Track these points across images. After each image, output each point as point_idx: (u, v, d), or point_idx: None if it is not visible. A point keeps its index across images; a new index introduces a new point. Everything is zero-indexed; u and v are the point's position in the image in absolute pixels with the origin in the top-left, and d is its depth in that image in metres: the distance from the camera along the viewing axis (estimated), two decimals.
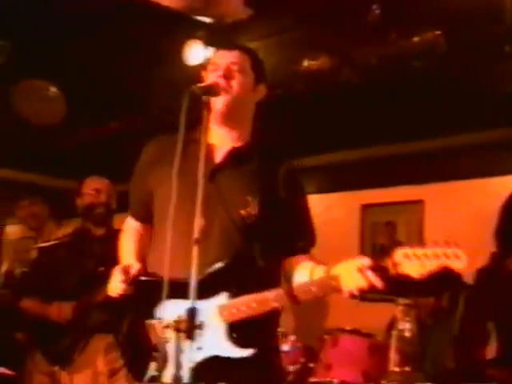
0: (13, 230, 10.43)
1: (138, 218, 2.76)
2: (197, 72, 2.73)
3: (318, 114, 5.64)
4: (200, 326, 2.04)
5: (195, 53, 4.92)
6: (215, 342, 2.30)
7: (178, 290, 2.11)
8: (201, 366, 2.26)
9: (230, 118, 2.54)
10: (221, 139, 2.56)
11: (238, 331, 2.32)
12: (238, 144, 2.58)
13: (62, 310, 4.23)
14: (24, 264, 5.53)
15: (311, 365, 4.68)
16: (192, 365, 2.21)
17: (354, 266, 2.20)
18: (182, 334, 1.98)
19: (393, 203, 6.43)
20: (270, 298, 2.30)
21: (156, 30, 4.55)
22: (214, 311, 2.32)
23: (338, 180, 6.77)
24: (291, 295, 2.28)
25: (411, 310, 3.51)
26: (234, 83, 2.52)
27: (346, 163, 6.57)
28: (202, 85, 2.43)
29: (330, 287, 2.27)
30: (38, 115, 5.88)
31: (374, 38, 4.52)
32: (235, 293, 2.34)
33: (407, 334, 3.44)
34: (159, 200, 2.55)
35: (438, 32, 4.29)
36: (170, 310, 2.18)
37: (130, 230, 2.79)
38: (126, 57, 5.00)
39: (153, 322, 2.38)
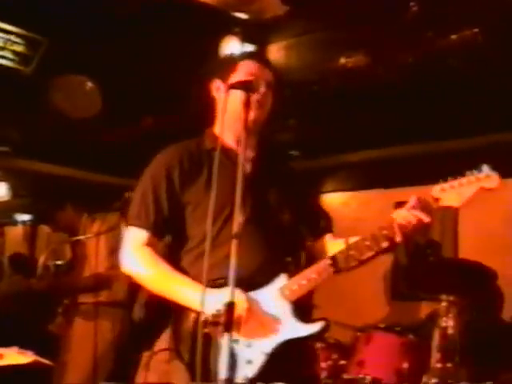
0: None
1: (154, 230, 2.57)
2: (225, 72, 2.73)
3: (352, 112, 5.64)
4: (239, 320, 2.06)
5: (232, 49, 4.93)
6: (286, 325, 2.36)
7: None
8: (272, 354, 2.32)
9: (255, 128, 2.63)
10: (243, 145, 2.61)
11: (300, 309, 2.40)
12: (258, 150, 2.71)
13: None
14: (59, 257, 5.60)
15: (343, 362, 4.69)
16: (263, 357, 2.30)
17: (401, 210, 2.42)
18: (221, 328, 2.00)
19: None
20: (328, 263, 2.42)
21: (194, 26, 4.57)
22: (277, 294, 2.39)
23: (372, 177, 6.75)
24: (352, 253, 2.41)
25: (454, 306, 3.51)
26: (268, 100, 2.63)
27: (380, 161, 6.55)
28: (241, 80, 2.48)
29: (382, 237, 2.42)
30: (75, 109, 5.94)
31: (411, 36, 4.49)
32: (293, 272, 2.44)
33: (450, 330, 3.45)
34: (199, 209, 2.50)
35: (476, 30, 4.26)
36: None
37: (146, 249, 2.55)
38: (162, 53, 5.03)
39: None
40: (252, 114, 2.46)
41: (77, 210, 5.16)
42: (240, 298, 2.28)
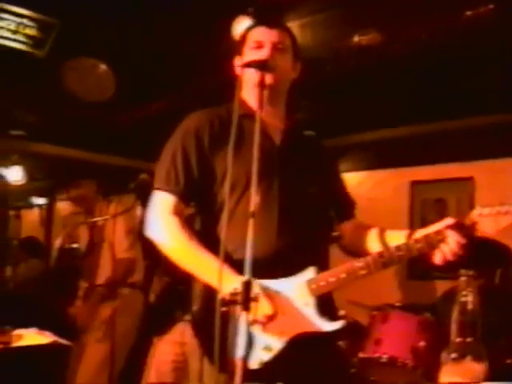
0: (63, 207, 10.64)
1: (182, 196, 2.50)
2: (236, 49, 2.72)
3: (366, 90, 5.61)
4: (256, 298, 2.05)
5: (239, 33, 4.90)
6: (306, 317, 2.34)
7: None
8: (288, 345, 2.30)
9: (275, 95, 2.58)
10: (269, 116, 2.57)
11: (323, 305, 2.36)
12: (284, 121, 2.66)
13: None
14: (75, 240, 5.64)
15: (359, 341, 4.69)
16: (280, 345, 2.29)
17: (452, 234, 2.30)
18: (239, 307, 2.00)
19: (443, 180, 6.37)
20: (359, 266, 2.35)
21: (207, 7, 4.55)
22: (303, 286, 2.36)
23: (387, 157, 6.72)
24: (383, 261, 2.35)
25: (474, 281, 3.50)
26: (280, 62, 2.55)
27: (395, 140, 6.52)
28: (257, 59, 2.44)
29: (436, 241, 2.32)
30: (88, 92, 5.94)
31: (425, 12, 4.45)
32: (321, 266, 2.41)
33: (470, 306, 3.43)
34: (231, 178, 2.27)
35: (491, 6, 4.21)
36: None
37: (173, 219, 2.47)
38: (176, 33, 5.01)
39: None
40: (268, 81, 2.40)
41: (93, 187, 5.21)
42: (263, 298, 2.26)
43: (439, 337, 4.40)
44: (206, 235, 2.48)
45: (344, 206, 2.80)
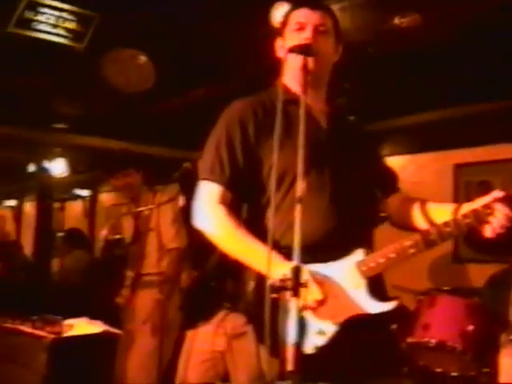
0: (106, 198, 10.76)
1: (228, 185, 2.47)
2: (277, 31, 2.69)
3: (408, 73, 5.55)
4: (306, 284, 2.03)
5: (280, 16, 4.88)
6: (358, 300, 2.32)
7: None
8: (342, 329, 2.29)
9: (317, 79, 2.56)
10: (312, 100, 2.54)
11: (375, 287, 2.35)
12: (327, 104, 2.64)
13: None
14: (119, 231, 5.68)
15: (407, 326, 4.66)
16: (333, 329, 2.28)
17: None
18: (289, 292, 1.98)
19: (487, 162, 6.27)
20: (408, 245, 2.32)
21: None
22: (353, 268, 2.34)
23: (429, 140, 6.64)
24: (432, 238, 2.32)
25: None
26: (322, 44, 2.53)
27: (437, 122, 6.44)
28: (299, 44, 2.42)
29: (484, 215, 2.28)
30: (129, 83, 5.97)
31: None
32: (369, 248, 2.40)
33: None
34: (280, 165, 2.27)
35: None
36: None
37: (220, 208, 2.45)
38: (214, 22, 5.01)
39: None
40: (311, 64, 2.39)
41: (138, 177, 5.24)
42: (312, 283, 2.24)
43: (487, 321, 4.37)
44: (253, 223, 2.46)
45: (387, 180, 2.77)
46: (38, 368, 3.86)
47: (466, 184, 6.44)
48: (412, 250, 2.31)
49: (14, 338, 4.19)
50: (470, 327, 4.28)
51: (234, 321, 3.99)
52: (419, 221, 2.59)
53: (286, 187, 2.41)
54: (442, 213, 2.44)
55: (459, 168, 6.48)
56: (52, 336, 3.94)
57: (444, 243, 2.37)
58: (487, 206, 2.29)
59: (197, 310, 4.01)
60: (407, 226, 2.64)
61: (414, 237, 2.34)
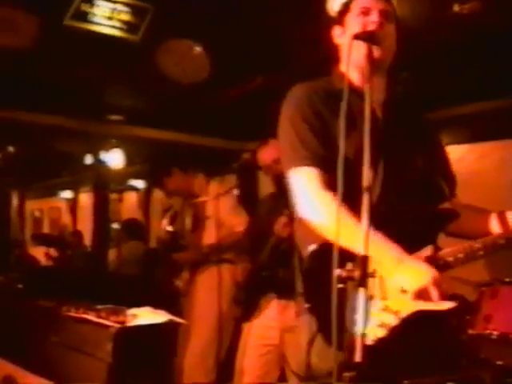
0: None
1: (322, 164, 2.38)
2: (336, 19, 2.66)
3: (467, 62, 5.45)
4: (372, 274, 2.00)
5: (338, 3, 4.83)
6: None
7: None
8: (403, 323, 2.28)
9: (381, 66, 2.52)
10: (374, 88, 2.51)
11: None
12: (389, 94, 2.61)
13: None
14: (175, 222, 5.71)
15: (468, 317, 4.59)
16: (395, 322, 2.27)
17: None
18: (355, 283, 1.96)
19: None
20: (477, 247, 2.31)
21: None
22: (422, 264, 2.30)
23: (490, 129, 6.51)
24: (502, 243, 2.31)
25: None
26: (388, 30, 2.51)
27: (497, 111, 6.31)
28: (365, 31, 2.40)
29: None
30: (184, 74, 5.99)
31: None
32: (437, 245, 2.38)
33: None
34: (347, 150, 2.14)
35: None
36: None
37: (327, 195, 2.36)
38: (268, 12, 4.98)
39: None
40: (375, 51, 2.34)
41: (186, 173, 5.24)
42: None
43: None
44: None
45: (446, 184, 2.69)
46: (104, 357, 3.90)
47: None
48: (481, 253, 2.30)
49: (80, 327, 4.25)
50: None
51: (286, 313, 4.00)
52: (481, 227, 2.54)
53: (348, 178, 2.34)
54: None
55: None
56: (117, 325, 3.99)
57: None
58: None
59: (251, 302, 4.02)
60: (462, 233, 2.59)
61: (484, 240, 2.32)
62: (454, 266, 2.32)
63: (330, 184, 2.35)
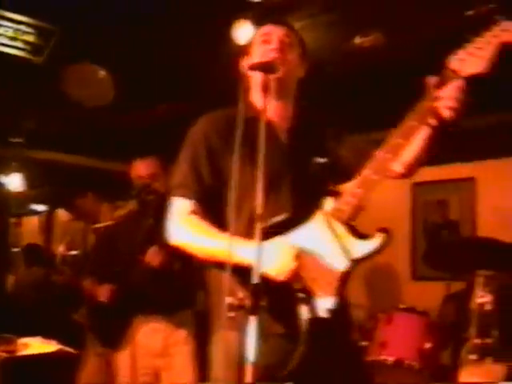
0: (63, 213, 10.63)
1: (199, 198, 2.48)
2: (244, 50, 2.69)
3: (359, 93, 5.56)
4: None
5: (244, 33, 4.88)
6: (348, 248, 2.27)
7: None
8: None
9: (282, 92, 2.53)
10: (276, 114, 2.53)
11: (353, 229, 2.30)
12: (293, 120, 2.59)
13: (102, 292, 4.25)
14: (76, 245, 5.63)
15: (364, 343, 4.67)
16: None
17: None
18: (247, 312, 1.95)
19: (444, 181, 6.34)
20: (369, 174, 2.25)
21: (206, 10, 4.52)
22: (329, 218, 2.30)
23: None
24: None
25: (492, 282, 3.46)
26: (288, 57, 2.53)
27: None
28: (259, 61, 2.42)
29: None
30: (88, 98, 5.94)
31: (427, 12, 4.42)
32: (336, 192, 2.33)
33: (488, 306, 3.39)
34: (241, 182, 2.23)
35: (493, 5, 4.18)
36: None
37: (192, 217, 2.48)
38: (173, 39, 4.99)
39: None
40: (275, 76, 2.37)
41: (97, 199, 5.19)
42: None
43: (444, 338, 4.40)
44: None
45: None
46: None
47: (424, 203, 6.52)
48: (375, 177, 2.24)
49: None
50: (428, 345, 4.32)
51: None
52: None
53: (246, 204, 2.37)
54: None
55: (417, 186, 6.50)
56: (5, 355, 3.87)
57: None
58: None
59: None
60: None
61: (370, 163, 2.26)
62: (359, 204, 2.27)
63: (217, 213, 2.45)
